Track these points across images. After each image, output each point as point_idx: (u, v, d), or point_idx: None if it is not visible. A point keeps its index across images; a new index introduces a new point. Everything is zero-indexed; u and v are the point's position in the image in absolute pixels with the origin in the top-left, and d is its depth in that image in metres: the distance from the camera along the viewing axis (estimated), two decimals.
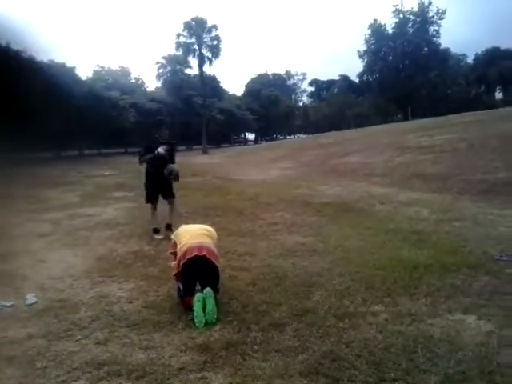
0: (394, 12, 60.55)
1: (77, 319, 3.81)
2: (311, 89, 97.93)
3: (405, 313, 3.72)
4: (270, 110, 74.22)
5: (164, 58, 60.41)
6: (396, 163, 14.57)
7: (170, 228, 6.85)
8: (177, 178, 6.92)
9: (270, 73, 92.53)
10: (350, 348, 3.16)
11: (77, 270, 5.27)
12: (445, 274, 4.65)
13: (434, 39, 60.00)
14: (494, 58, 68.53)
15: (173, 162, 7.02)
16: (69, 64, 39.04)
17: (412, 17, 60.16)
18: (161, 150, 6.92)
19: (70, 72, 37.26)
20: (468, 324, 3.48)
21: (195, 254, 3.97)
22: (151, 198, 7.10)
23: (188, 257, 3.97)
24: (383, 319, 3.62)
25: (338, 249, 5.86)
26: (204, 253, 4.00)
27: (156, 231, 6.97)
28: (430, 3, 58.57)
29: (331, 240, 6.34)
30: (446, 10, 59.33)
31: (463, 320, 3.55)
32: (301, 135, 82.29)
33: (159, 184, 6.97)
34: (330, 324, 3.56)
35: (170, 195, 7.16)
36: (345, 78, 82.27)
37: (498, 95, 73.46)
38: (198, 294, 3.78)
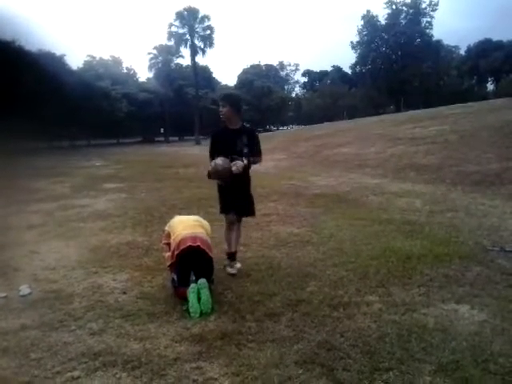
0: (386, 3, 60.61)
1: (71, 310, 3.80)
2: (304, 80, 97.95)
3: (399, 302, 3.74)
4: (263, 100, 73.96)
5: (156, 48, 60.05)
6: (388, 154, 14.60)
7: (233, 257, 4.79)
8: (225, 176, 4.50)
9: (262, 63, 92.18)
10: (345, 338, 3.17)
11: (70, 261, 5.24)
12: (438, 264, 4.69)
13: (427, 31, 60.15)
14: (486, 50, 68.89)
15: (258, 153, 4.75)
16: (58, 53, 38.66)
17: (405, 8, 60.20)
18: (237, 167, 4.41)
19: (59, 61, 36.88)
20: (461, 313, 3.51)
21: (189, 244, 3.96)
22: (228, 208, 4.79)
23: (182, 247, 3.96)
24: (377, 309, 3.64)
25: (331, 239, 5.87)
26: (198, 243, 3.99)
27: (231, 257, 4.79)
28: None
29: (324, 231, 6.36)
30: (438, 1, 59.46)
31: (457, 309, 3.58)
32: (294, 126, 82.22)
33: (236, 192, 4.68)
34: (324, 314, 3.57)
35: (247, 212, 4.89)
36: (338, 69, 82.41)
37: (490, 86, 73.85)
38: (193, 285, 3.78)
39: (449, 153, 12.55)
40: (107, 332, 3.37)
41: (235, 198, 4.70)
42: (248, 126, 4.88)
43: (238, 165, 4.42)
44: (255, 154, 4.71)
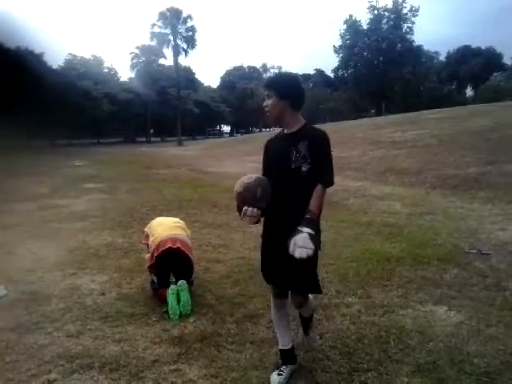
0: (369, 8, 61.11)
1: (48, 312, 3.74)
2: None
3: (377, 304, 3.78)
4: (246, 102, 74.20)
5: (138, 48, 59.62)
6: (370, 157, 14.72)
7: (289, 359, 2.83)
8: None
9: (245, 65, 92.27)
10: (324, 339, 3.19)
11: (48, 262, 5.16)
12: (416, 266, 4.74)
13: (408, 36, 60.82)
14: (465, 57, 70.13)
15: (328, 181, 2.69)
16: (37, 51, 38.08)
17: (386, 13, 60.79)
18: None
19: (39, 59, 36.38)
20: (439, 315, 3.56)
21: (169, 246, 3.93)
22: (268, 275, 2.96)
23: (161, 249, 3.93)
24: (356, 310, 3.67)
25: None
26: (178, 245, 3.97)
27: (285, 356, 2.83)
28: (403, 0, 59.32)
29: None
30: (419, 7, 60.37)
31: (434, 311, 3.63)
32: (276, 129, 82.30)
33: (282, 253, 2.53)
34: None
35: (301, 286, 2.72)
36: (320, 73, 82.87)
37: (469, 92, 75.10)
38: (172, 287, 3.76)
39: (429, 157, 12.72)
40: (85, 334, 3.33)
41: (279, 263, 2.66)
42: (314, 126, 2.77)
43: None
44: (321, 174, 2.58)
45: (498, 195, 8.41)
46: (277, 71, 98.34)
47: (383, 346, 3.06)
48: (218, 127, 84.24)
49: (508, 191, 8.52)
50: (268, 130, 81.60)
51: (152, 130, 61.47)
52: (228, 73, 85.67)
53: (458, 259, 4.93)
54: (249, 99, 74.79)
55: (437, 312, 3.62)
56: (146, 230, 4.48)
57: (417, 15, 59.85)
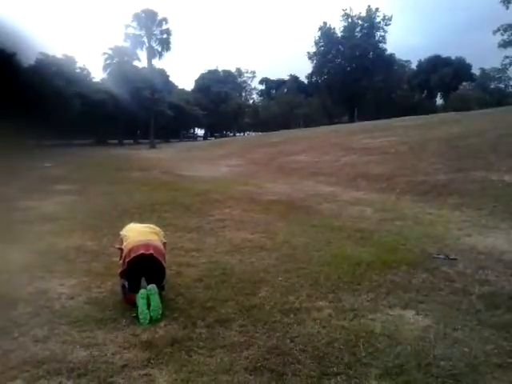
0: (343, 16, 62.11)
1: (14, 316, 3.65)
2: (261, 87, 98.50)
3: (348, 308, 3.82)
4: (220, 106, 74.13)
5: (111, 49, 58.77)
6: (342, 163, 14.91)
7: None
8: None
9: (220, 69, 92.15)
10: (295, 343, 3.21)
11: (15, 265, 5.02)
12: (386, 270, 4.81)
13: (380, 44, 62.09)
14: (435, 66, 71.77)
15: None
16: (8, 50, 37.05)
17: (360, 21, 61.87)
18: None
19: (9, 59, 35.51)
20: (407, 319, 3.62)
21: (141, 252, 3.89)
22: None
23: (133, 255, 3.88)
24: (327, 314, 3.70)
25: (284, 245, 5.93)
26: (151, 251, 3.93)
27: None
28: (377, 9, 60.50)
29: (278, 237, 6.41)
30: (391, 16, 61.57)
31: (402, 315, 3.69)
32: (250, 133, 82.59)
33: None
34: (275, 320, 3.60)
35: None
36: (294, 79, 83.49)
37: (439, 101, 76.86)
38: (142, 291, 3.72)
39: (399, 163, 12.96)
40: (52, 339, 3.26)
41: None
42: None
43: None
44: None
45: (465, 202, 8.62)
46: (250, 76, 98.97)
47: (353, 349, 3.10)
48: (192, 130, 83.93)
49: (475, 198, 8.75)
50: (242, 133, 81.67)
51: (139, 132, 61.21)
52: (203, 76, 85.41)
53: (426, 264, 5.03)
54: (223, 103, 74.74)
55: (405, 316, 3.68)
56: (121, 233, 4.42)
57: (389, 24, 61.27)
